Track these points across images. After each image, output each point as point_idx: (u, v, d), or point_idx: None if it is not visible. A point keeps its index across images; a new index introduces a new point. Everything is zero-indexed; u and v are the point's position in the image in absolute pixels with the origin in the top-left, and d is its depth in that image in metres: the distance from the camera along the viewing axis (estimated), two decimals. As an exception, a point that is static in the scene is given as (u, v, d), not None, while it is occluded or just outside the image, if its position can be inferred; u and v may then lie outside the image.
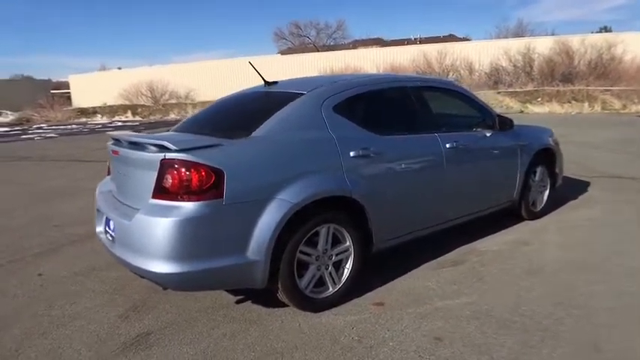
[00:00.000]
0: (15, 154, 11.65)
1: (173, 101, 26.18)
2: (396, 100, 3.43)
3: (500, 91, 18.17)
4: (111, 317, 2.94)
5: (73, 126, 21.24)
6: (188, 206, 2.43)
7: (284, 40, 53.22)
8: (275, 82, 3.48)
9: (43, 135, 17.04)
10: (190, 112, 20.43)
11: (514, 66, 21.03)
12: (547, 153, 4.59)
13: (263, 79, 3.45)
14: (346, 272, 2.98)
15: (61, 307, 3.12)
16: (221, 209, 2.46)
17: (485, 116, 3.98)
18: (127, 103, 26.89)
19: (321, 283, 2.90)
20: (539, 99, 16.74)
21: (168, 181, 2.45)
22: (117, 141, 2.94)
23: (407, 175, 3.24)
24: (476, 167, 3.77)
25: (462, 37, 43.21)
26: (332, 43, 52.90)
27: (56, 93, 34.35)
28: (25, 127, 21.03)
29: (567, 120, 13.96)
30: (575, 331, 2.55)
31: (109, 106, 26.95)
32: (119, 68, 42.18)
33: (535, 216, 4.54)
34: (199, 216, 2.42)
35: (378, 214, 3.05)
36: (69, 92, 34.77)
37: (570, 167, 6.91)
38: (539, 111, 16.40)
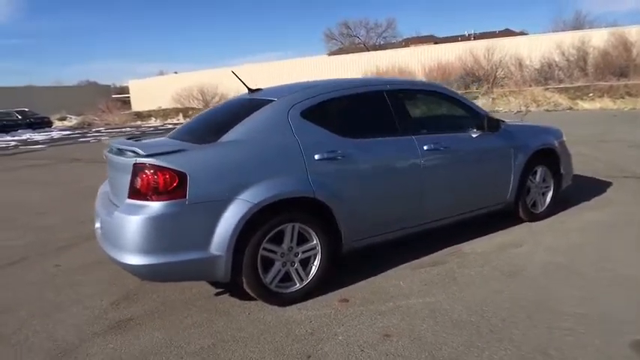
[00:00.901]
0: (69, 156, 12.70)
1: (222, 103, 27.17)
2: (370, 104, 3.52)
3: (548, 87, 17.38)
4: (104, 304, 3.27)
5: (127, 129, 22.64)
6: (155, 205, 2.69)
7: (334, 41, 53.64)
8: (259, 90, 3.69)
9: (98, 137, 18.35)
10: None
11: (567, 60, 20.05)
12: (549, 153, 4.47)
13: (246, 86, 3.67)
14: (314, 269, 3.13)
15: (67, 293, 3.50)
16: (185, 208, 2.70)
17: (472, 118, 3.96)
18: (179, 106, 28.26)
19: (288, 278, 3.07)
20: (590, 94, 15.85)
21: (139, 182, 2.73)
22: (110, 148, 3.26)
23: (379, 177, 3.34)
24: (459, 169, 3.78)
25: (518, 31, 41.59)
26: (382, 43, 52.60)
27: (118, 97, 36.66)
28: (86, 130, 22.74)
29: (615, 117, 13.17)
30: (529, 335, 2.54)
31: (163, 110, 28.43)
32: (175, 72, 44.37)
33: (536, 218, 4.44)
34: (164, 214, 2.67)
35: (347, 215, 3.17)
36: (129, 97, 37.02)
37: (598, 166, 6.64)
38: (589, 107, 15.54)
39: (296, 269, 3.07)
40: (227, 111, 3.54)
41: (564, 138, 4.80)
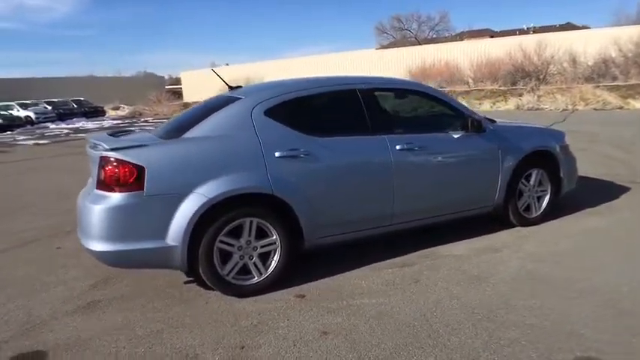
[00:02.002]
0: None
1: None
2: (340, 103, 3.52)
3: (599, 85, 16.34)
4: (84, 286, 3.52)
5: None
6: (115, 196, 2.87)
7: (385, 35, 53.02)
8: (239, 87, 3.79)
9: (142, 127, 19.25)
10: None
11: (624, 57, 18.72)
12: (546, 156, 4.28)
13: (226, 84, 3.78)
14: (273, 264, 3.21)
15: (57, 274, 3.79)
16: (142, 200, 2.86)
17: (456, 118, 3.85)
18: (225, 98, 28.96)
19: (247, 271, 3.17)
20: (645, 93, 14.76)
21: (103, 174, 2.92)
22: (89, 143, 3.48)
23: (345, 176, 3.35)
24: (437, 170, 3.71)
25: (580, 25, 39.30)
26: (434, 36, 51.41)
27: (171, 88, 38.13)
28: (135, 120, 23.91)
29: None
30: (466, 343, 2.49)
31: (210, 102, 29.28)
32: (227, 64, 45.55)
33: (528, 222, 4.27)
34: (123, 205, 2.85)
35: (309, 213, 3.22)
36: (181, 88, 38.40)
37: (621, 171, 6.26)
38: (643, 107, 14.49)
39: (254, 263, 3.17)
40: (202, 108, 3.66)
41: (567, 141, 4.56)
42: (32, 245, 4.59)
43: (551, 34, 23.75)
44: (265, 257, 3.21)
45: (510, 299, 2.94)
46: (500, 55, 23.21)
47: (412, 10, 77.17)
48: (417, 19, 50.94)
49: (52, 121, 25.13)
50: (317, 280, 3.37)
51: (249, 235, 3.11)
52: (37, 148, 14.35)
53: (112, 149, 2.91)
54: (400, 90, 4.01)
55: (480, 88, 20.01)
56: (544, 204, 4.36)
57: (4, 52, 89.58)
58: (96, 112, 28.79)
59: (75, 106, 28.71)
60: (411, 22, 51.30)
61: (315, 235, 3.32)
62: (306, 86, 3.50)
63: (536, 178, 4.26)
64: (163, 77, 45.60)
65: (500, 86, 19.49)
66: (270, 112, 3.22)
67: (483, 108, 18.30)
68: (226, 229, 3.03)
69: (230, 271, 3.11)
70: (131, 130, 4.09)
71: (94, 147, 3.14)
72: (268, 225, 3.15)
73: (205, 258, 3.00)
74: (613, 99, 14.85)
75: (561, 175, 4.39)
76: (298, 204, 3.17)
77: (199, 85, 36.33)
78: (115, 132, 3.73)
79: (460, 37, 47.93)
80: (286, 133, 3.22)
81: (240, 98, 3.32)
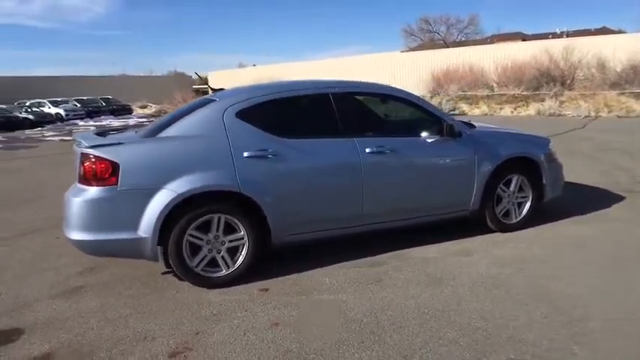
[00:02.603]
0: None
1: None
2: (312, 106, 3.67)
3: (624, 91, 15.87)
4: (72, 272, 3.78)
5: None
6: (92, 190, 3.11)
7: (413, 37, 52.68)
8: (221, 89, 3.98)
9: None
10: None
11: (656, 62, 18.08)
12: (526, 162, 4.30)
13: (209, 87, 4.01)
14: (241, 258, 3.38)
15: (50, 261, 4.07)
16: (116, 194, 3.09)
17: (431, 123, 3.93)
18: (249, 99, 29.40)
19: (216, 264, 3.35)
20: (673, 101, 14.25)
21: (82, 169, 3.16)
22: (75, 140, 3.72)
23: (312, 176, 3.49)
24: (407, 173, 3.80)
25: (617, 30, 38.09)
26: (463, 39, 50.70)
27: (198, 88, 38.94)
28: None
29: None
30: (406, 341, 2.58)
31: (234, 102, 29.79)
32: (254, 65, 46.29)
33: (508, 228, 4.30)
34: (99, 198, 3.09)
35: (276, 211, 3.38)
36: (207, 87, 39.23)
37: (621, 179, 6.16)
38: (670, 115, 13.99)
39: (222, 256, 3.34)
40: (185, 109, 3.87)
41: (552, 148, 4.56)
42: (34, 234, 4.91)
43: (580, 38, 23.10)
44: (234, 252, 3.38)
45: (463, 302, 3.02)
46: (527, 59, 22.80)
47: (441, 12, 76.18)
48: (445, 21, 50.35)
49: (81, 118, 26.15)
50: (284, 275, 3.52)
51: (218, 231, 3.30)
52: (62, 144, 15.00)
53: (91, 147, 3.14)
54: (375, 94, 4.11)
55: (501, 92, 19.70)
56: (525, 210, 4.38)
57: (41, 51, 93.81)
58: (123, 110, 29.77)
59: (103, 104, 29.80)
60: (440, 24, 50.75)
61: (283, 233, 3.47)
62: (280, 89, 3.66)
63: (516, 184, 4.29)
64: (191, 77, 46.72)
65: (522, 91, 19.14)
66: (241, 114, 3.40)
67: (503, 113, 18.08)
68: (195, 223, 3.22)
69: (199, 264, 3.29)
70: (122, 129, 4.32)
71: (79, 144, 3.38)
72: (236, 221, 3.32)
73: (175, 250, 3.20)
74: (638, 106, 14.40)
75: (544, 181, 4.40)
76: (266, 202, 3.33)
77: (227, 85, 37.13)
78: (105, 131, 3.99)
79: (491, 40, 47.15)
80: (256, 134, 3.39)
81: (214, 100, 3.51)
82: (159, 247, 3.18)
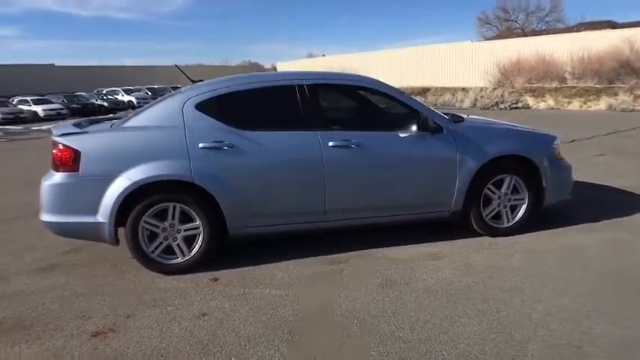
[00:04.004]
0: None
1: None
2: (275, 99, 3.60)
3: None
4: (58, 252, 4.06)
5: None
6: (58, 175, 3.32)
7: (488, 26, 49.98)
8: (200, 80, 4.05)
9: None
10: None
11: None
12: (523, 162, 3.94)
13: (189, 78, 4.06)
14: (197, 247, 3.44)
15: (42, 241, 4.27)
16: (78, 179, 3.28)
17: (408, 117, 3.70)
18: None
19: (172, 252, 3.45)
20: None
21: (52, 156, 3.37)
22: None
23: (270, 169, 3.45)
24: (376, 168, 3.62)
25: None
26: (543, 28, 47.26)
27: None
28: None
29: None
30: (316, 343, 2.51)
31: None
32: (323, 55, 46.47)
33: (499, 232, 3.98)
34: (62, 183, 3.29)
35: (231, 203, 3.40)
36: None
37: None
38: None
39: (178, 244, 3.43)
40: (155, 100, 3.97)
41: (556, 147, 4.14)
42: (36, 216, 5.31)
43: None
44: (190, 240, 3.45)
45: (402, 309, 2.84)
46: (607, 49, 20.81)
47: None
48: (524, 9, 47.09)
49: (151, 105, 27.87)
50: (240, 267, 3.53)
51: (173, 219, 3.38)
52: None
53: (59, 135, 3.34)
54: (346, 86, 3.95)
55: (572, 85, 18.16)
56: (519, 214, 4.03)
57: (127, 41, 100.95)
58: (190, 98, 31.29)
59: (172, 91, 31.46)
60: (518, 12, 47.60)
61: (241, 225, 3.48)
62: (244, 82, 3.65)
63: (509, 185, 3.95)
64: (264, 67, 48.11)
65: (596, 84, 17.52)
66: (201, 106, 3.44)
67: (571, 107, 16.71)
68: (150, 211, 3.33)
69: (154, 250, 3.41)
70: (110, 119, 4.47)
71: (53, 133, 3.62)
72: (192, 211, 3.38)
73: (131, 235, 3.33)
74: None
75: (544, 183, 4.01)
76: (220, 193, 3.36)
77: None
78: (94, 120, 4.21)
79: (577, 29, 43.47)
80: (214, 125, 3.42)
81: (181, 92, 3.58)
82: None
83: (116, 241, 3.38)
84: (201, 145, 3.34)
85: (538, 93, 18.52)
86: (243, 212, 3.46)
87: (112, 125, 3.64)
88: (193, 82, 4.07)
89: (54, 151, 3.35)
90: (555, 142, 4.16)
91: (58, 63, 42.19)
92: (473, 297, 2.97)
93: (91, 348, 2.53)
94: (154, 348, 2.50)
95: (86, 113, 22.58)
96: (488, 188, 3.92)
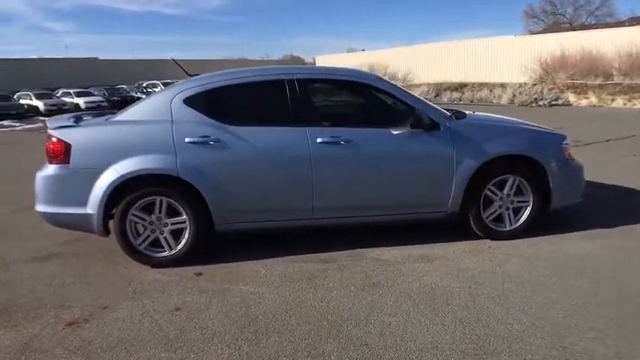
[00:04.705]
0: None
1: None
2: (264, 94, 3.54)
3: None
4: (60, 241, 4.18)
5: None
6: (51, 167, 3.41)
7: (535, 19, 48.05)
8: (197, 75, 4.06)
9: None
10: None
11: None
12: (528, 162, 3.73)
13: (186, 72, 4.08)
14: (184, 241, 3.46)
15: (45, 231, 4.23)
16: (68, 172, 3.36)
17: (404, 113, 3.56)
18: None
19: (160, 245, 3.48)
20: None
21: (46, 149, 3.47)
22: None
23: (256, 165, 3.41)
24: (366, 166, 3.51)
25: None
26: (593, 22, 44.93)
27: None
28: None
29: None
30: (285, 345, 2.46)
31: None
32: (363, 50, 46.10)
33: (500, 236, 3.79)
34: (53, 175, 3.39)
35: (217, 198, 3.39)
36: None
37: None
38: None
39: (165, 238, 3.46)
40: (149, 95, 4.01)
41: (566, 147, 3.89)
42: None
43: None
44: (178, 234, 3.48)
45: (376, 313, 2.75)
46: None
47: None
48: (573, 2, 44.92)
49: (190, 99, 28.55)
50: (226, 262, 3.53)
51: (160, 212, 3.41)
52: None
53: (53, 128, 3.43)
54: (339, 81, 3.84)
55: (617, 82, 17.17)
56: (523, 217, 3.82)
57: (173, 36, 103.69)
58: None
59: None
60: (566, 5, 45.46)
61: (227, 220, 3.47)
62: (234, 76, 3.62)
63: (512, 187, 3.75)
64: (304, 61, 48.31)
65: (641, 81, 16.52)
66: (189, 101, 3.44)
67: (614, 105, 15.79)
68: (138, 203, 3.37)
69: (142, 242, 3.45)
70: (110, 113, 4.53)
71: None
72: (178, 205, 3.40)
73: (119, 227, 3.39)
74: None
75: (551, 185, 3.78)
76: (206, 188, 3.36)
77: (329, 71, 37.67)
78: (97, 114, 4.30)
79: (629, 23, 41.05)
80: (201, 120, 3.41)
81: (171, 87, 3.60)
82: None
83: (106, 232, 3.45)
84: (187, 139, 3.35)
85: (580, 90, 17.64)
86: (229, 208, 3.44)
87: (106, 119, 3.71)
88: (190, 76, 4.08)
89: (48, 143, 3.45)
90: (565, 142, 3.91)
91: (101, 57, 44.04)
92: (455, 304, 2.84)
93: (61, 337, 2.58)
94: (119, 340, 2.53)
95: (125, 105, 23.28)
96: (489, 189, 3.74)
